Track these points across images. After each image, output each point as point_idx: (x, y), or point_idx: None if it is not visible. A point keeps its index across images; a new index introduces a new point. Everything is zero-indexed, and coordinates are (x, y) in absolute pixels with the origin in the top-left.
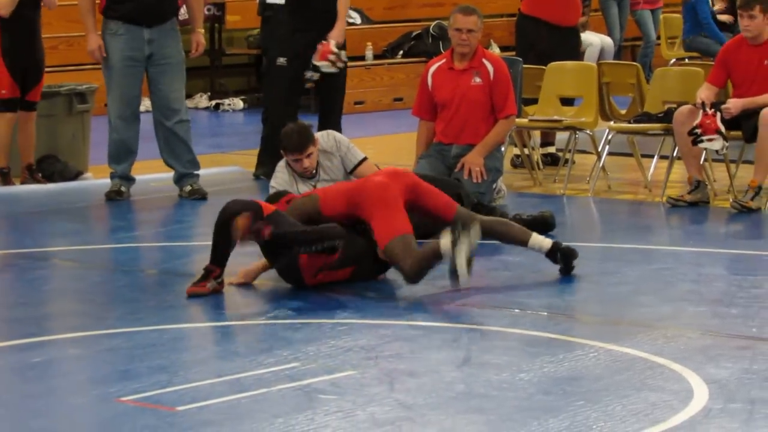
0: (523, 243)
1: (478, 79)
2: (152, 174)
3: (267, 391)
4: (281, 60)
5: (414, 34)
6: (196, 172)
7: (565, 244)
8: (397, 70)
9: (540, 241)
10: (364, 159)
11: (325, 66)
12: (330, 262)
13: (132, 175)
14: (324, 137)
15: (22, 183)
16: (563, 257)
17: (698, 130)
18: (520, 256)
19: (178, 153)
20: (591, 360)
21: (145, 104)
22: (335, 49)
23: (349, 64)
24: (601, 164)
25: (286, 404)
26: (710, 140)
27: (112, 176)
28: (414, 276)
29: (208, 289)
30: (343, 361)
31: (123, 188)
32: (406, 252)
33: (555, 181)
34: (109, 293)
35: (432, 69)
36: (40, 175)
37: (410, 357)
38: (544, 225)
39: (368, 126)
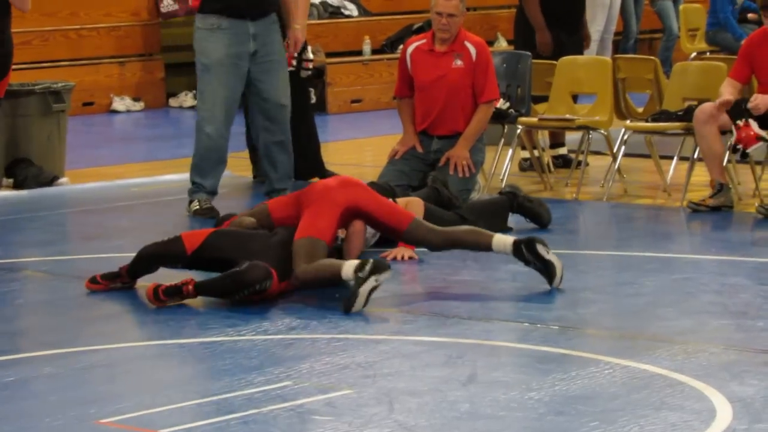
0: (488, 247)
1: (459, 62)
2: (132, 179)
3: (257, 413)
4: None
5: (415, 26)
6: (286, 187)
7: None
8: (397, 66)
9: (503, 240)
10: None
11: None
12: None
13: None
14: None
15: None
16: (528, 248)
17: (740, 146)
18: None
19: (278, 163)
20: (606, 377)
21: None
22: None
23: (347, 59)
24: (616, 166)
25: (277, 426)
26: (755, 149)
27: (196, 191)
28: (301, 283)
29: (107, 288)
30: (339, 380)
31: (212, 204)
32: (306, 256)
33: (567, 185)
34: (87, 307)
35: (410, 49)
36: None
37: (411, 375)
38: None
39: (366, 126)
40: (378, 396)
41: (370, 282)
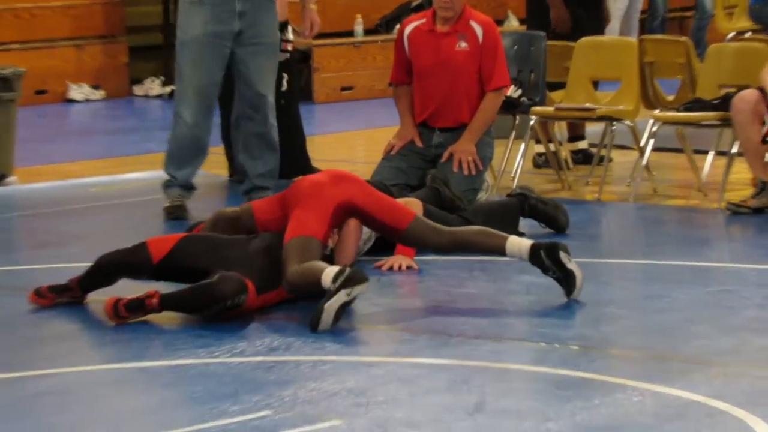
0: (502, 251)
1: (463, 44)
2: (90, 178)
3: None
4: None
5: (414, 4)
6: (268, 185)
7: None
8: (393, 49)
9: (518, 243)
10: None
11: None
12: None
13: (193, 183)
14: None
15: None
16: (548, 254)
17: None
18: (546, 277)
19: (259, 157)
20: (634, 405)
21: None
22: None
23: (336, 41)
24: (644, 162)
25: None
26: None
27: (169, 185)
28: (290, 286)
29: (53, 302)
30: (327, 409)
31: (185, 202)
32: (299, 255)
33: (588, 184)
34: (37, 325)
35: (408, 29)
36: None
37: (409, 402)
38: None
39: (358, 117)
40: (371, 427)
41: (340, 296)
